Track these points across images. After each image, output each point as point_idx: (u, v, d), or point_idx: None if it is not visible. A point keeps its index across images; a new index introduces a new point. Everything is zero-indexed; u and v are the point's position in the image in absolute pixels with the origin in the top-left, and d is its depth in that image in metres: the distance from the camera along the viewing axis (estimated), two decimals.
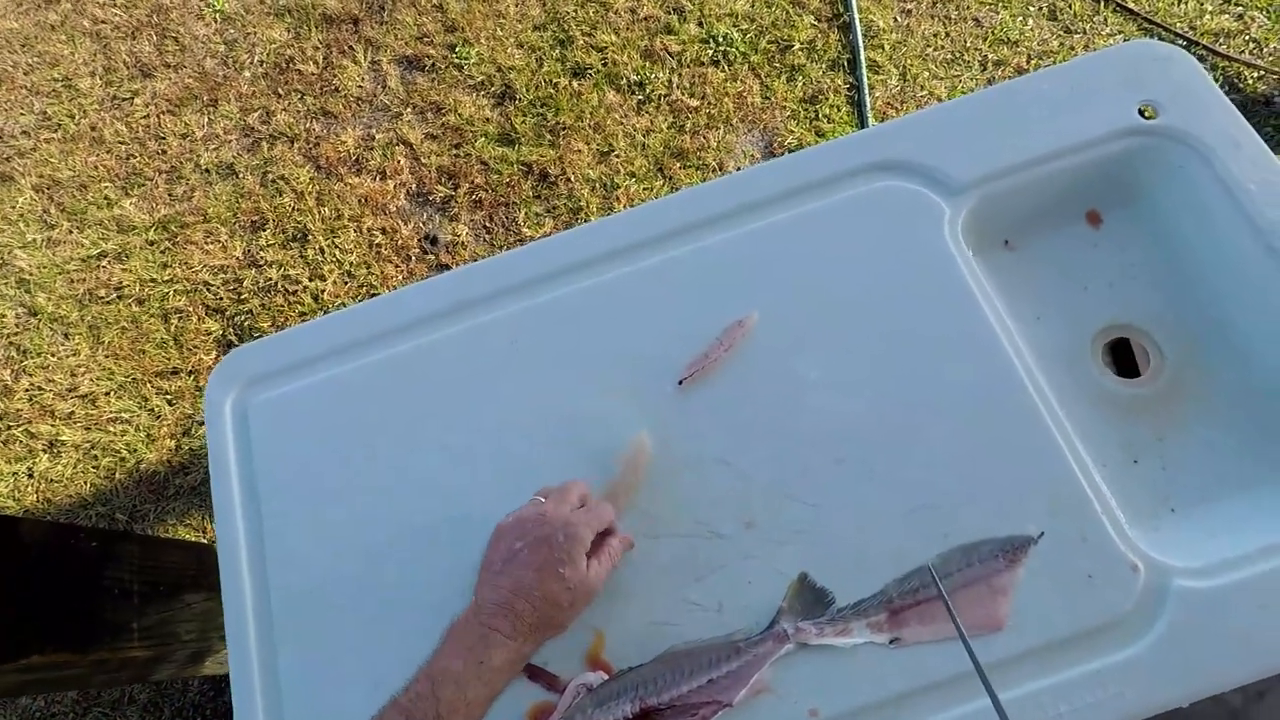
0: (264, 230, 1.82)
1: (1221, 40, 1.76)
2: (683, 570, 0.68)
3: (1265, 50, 1.74)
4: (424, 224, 1.81)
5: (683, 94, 1.84)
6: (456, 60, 1.92)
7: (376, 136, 1.88)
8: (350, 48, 1.96)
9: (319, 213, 1.81)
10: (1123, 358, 0.76)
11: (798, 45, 1.85)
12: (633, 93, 1.86)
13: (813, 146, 0.81)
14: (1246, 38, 1.75)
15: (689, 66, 1.87)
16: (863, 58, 1.81)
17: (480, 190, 1.81)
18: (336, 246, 1.79)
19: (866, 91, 1.78)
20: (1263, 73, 1.70)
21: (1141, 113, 0.77)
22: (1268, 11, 1.77)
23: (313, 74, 1.95)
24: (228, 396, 0.79)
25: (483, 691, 0.54)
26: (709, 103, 1.82)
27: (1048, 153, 0.76)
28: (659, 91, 1.84)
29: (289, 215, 1.82)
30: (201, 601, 1.12)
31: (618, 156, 1.79)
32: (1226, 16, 1.77)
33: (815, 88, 1.81)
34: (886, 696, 0.62)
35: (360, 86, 1.93)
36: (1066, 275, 0.79)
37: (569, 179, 1.78)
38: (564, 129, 1.83)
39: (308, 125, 1.91)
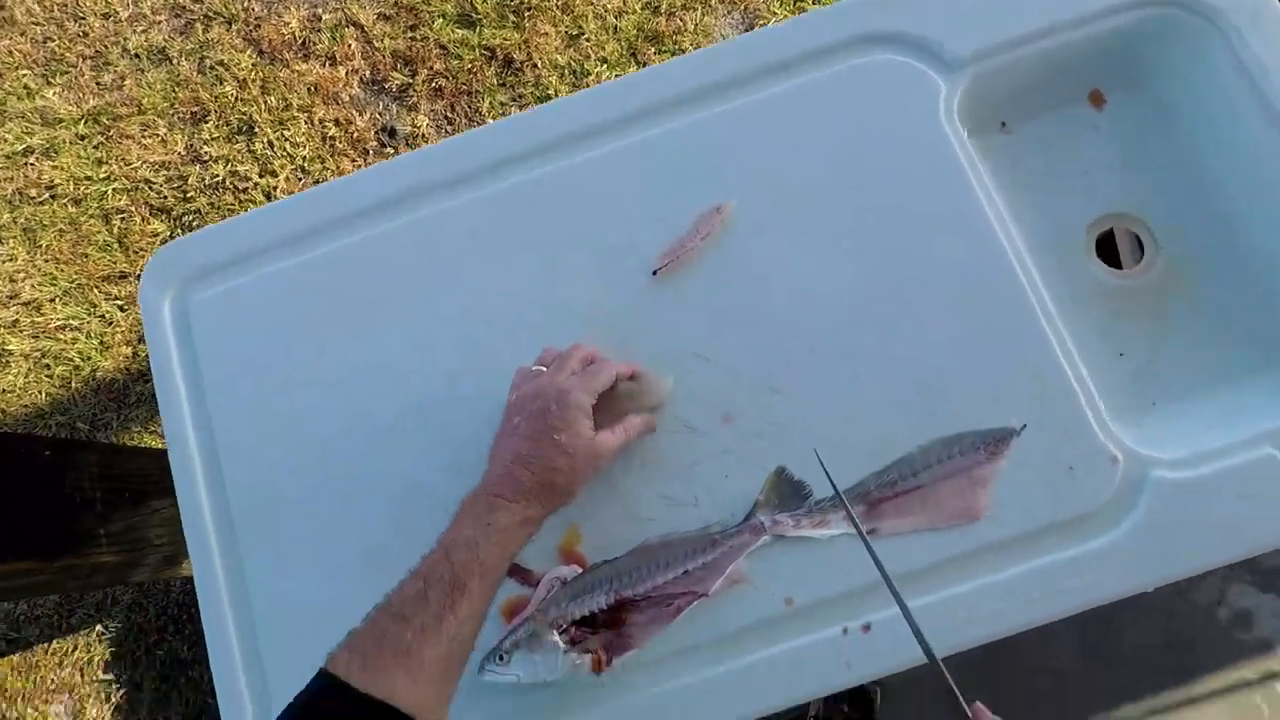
0: (206, 122, 1.68)
1: None
2: (659, 466, 0.66)
3: None
4: (380, 114, 1.69)
5: None
6: None
7: (323, 17, 1.72)
8: None
9: (265, 103, 1.68)
10: (1115, 249, 0.74)
11: None
12: None
13: (798, 16, 0.74)
14: None
15: None
16: None
17: (440, 77, 1.68)
18: (287, 140, 1.67)
19: None
20: None
21: None
22: None
23: None
24: (165, 295, 0.73)
25: (494, 552, 0.54)
26: None
27: (1052, 25, 0.70)
28: None
29: (232, 106, 1.69)
30: (169, 507, 1.10)
31: (588, 40, 1.67)
32: None
33: None
34: (861, 585, 0.62)
35: None
36: (1065, 160, 0.74)
37: (535, 65, 1.66)
38: (529, 10, 1.68)
39: (246, 4, 1.74)
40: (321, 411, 0.70)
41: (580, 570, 0.65)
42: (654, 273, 0.69)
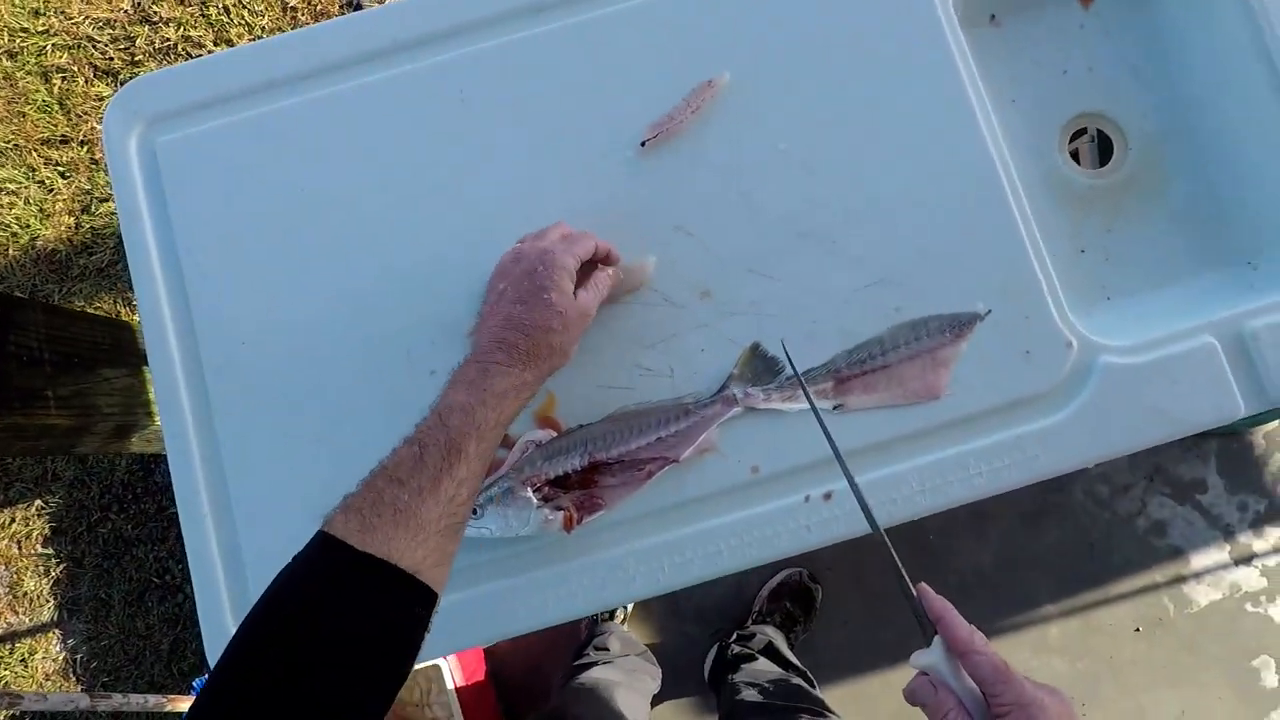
0: None
1: None
2: (636, 336, 0.67)
3: None
4: None
5: None
6: None
7: None
8: None
9: None
10: (1091, 147, 0.75)
11: None
12: None
13: None
14: None
15: None
16: None
17: None
18: (245, 8, 1.56)
19: None
20: None
21: None
22: None
23: None
24: (131, 131, 0.69)
25: (490, 415, 0.53)
26: None
27: None
28: None
29: None
30: (122, 378, 1.08)
31: None
32: None
33: None
34: (824, 456, 0.65)
35: None
36: (1049, 57, 0.75)
37: None
38: None
39: None
40: (302, 276, 0.68)
41: (554, 435, 0.67)
42: (642, 144, 0.68)
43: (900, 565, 0.50)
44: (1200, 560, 1.42)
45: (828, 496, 0.65)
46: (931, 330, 0.66)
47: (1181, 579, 1.43)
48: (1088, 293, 0.72)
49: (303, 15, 1.56)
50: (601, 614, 1.37)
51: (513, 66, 0.70)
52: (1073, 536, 1.45)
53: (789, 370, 0.66)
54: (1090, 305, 0.72)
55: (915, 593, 0.49)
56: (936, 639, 0.48)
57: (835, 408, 0.66)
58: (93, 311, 1.49)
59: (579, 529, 0.64)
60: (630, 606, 1.41)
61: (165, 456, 0.68)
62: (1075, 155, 0.76)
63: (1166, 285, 0.72)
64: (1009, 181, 0.68)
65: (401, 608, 0.47)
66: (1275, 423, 1.43)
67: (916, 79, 0.69)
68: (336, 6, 1.56)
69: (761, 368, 0.67)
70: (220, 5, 1.55)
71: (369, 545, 0.46)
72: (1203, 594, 1.41)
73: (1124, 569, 1.44)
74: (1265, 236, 0.70)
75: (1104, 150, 0.75)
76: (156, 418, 1.12)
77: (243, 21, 1.55)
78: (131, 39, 1.54)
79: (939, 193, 0.68)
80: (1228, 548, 1.42)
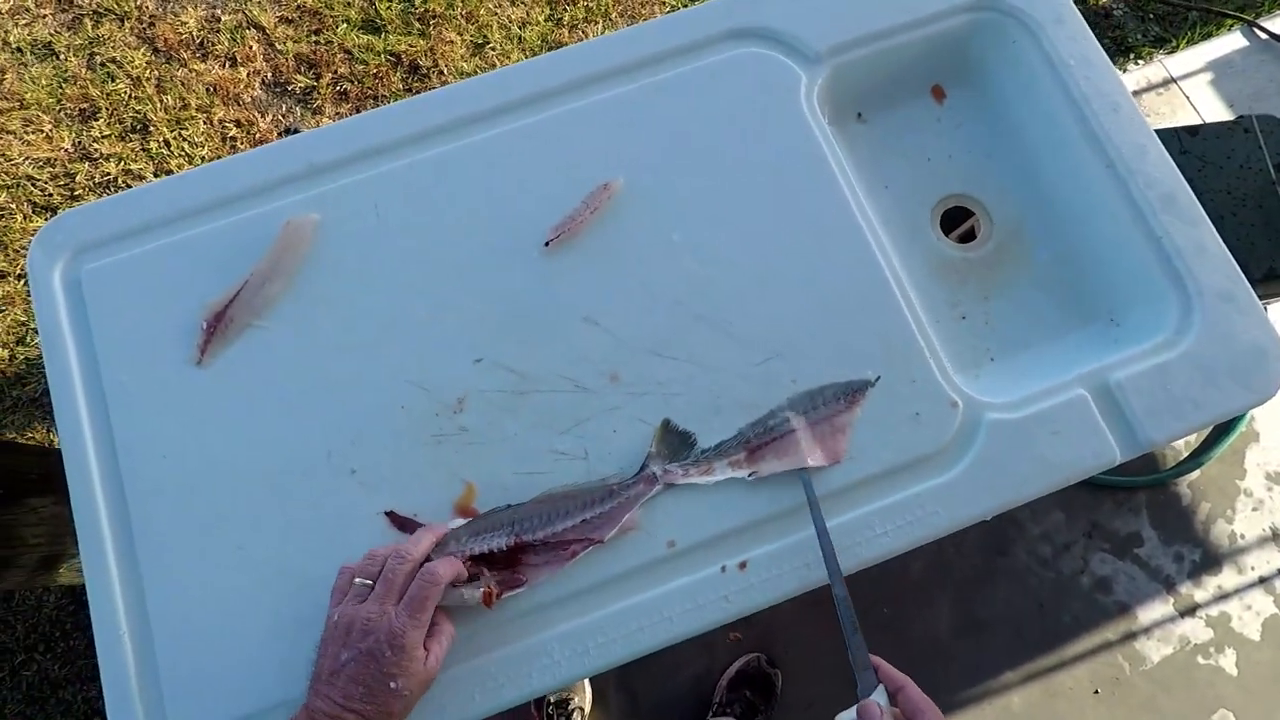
0: (96, 120, 1.62)
1: None
2: (550, 423, 0.70)
3: None
4: (284, 116, 1.67)
5: None
6: None
7: (223, 18, 1.70)
8: None
9: (161, 101, 1.64)
10: (958, 224, 0.83)
11: None
12: None
13: (676, 12, 0.81)
14: None
15: None
16: None
17: (345, 81, 1.68)
18: (184, 140, 1.63)
19: None
20: None
21: None
22: None
23: None
24: (55, 264, 0.72)
25: None
26: None
27: (897, 25, 0.79)
28: None
29: (125, 104, 1.64)
30: (49, 506, 1.05)
31: (493, 49, 1.71)
32: None
33: None
34: (737, 526, 0.67)
35: None
36: (912, 147, 0.84)
37: (441, 71, 1.69)
38: (434, 18, 1.72)
39: (139, 1, 1.69)
40: (217, 383, 0.70)
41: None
42: (546, 244, 0.73)
43: (854, 621, 0.60)
44: (1147, 614, 1.44)
45: (743, 566, 0.67)
46: (827, 398, 0.70)
47: (1132, 635, 1.44)
48: (972, 355, 0.77)
49: (242, 144, 1.64)
50: (557, 715, 1.31)
51: (423, 181, 0.75)
52: (1022, 599, 1.46)
53: (700, 444, 0.69)
54: (976, 366, 0.77)
55: (859, 641, 0.60)
56: (880, 686, 0.58)
57: (750, 475, 0.69)
58: (23, 441, 1.45)
59: (498, 604, 0.64)
60: (588, 708, 1.36)
61: None
62: (950, 231, 0.83)
63: (1041, 344, 0.78)
64: (885, 259, 0.74)
65: None
66: (1197, 472, 1.49)
67: (793, 173, 0.76)
68: (275, 134, 1.64)
69: (676, 443, 0.70)
70: (160, 139, 1.62)
71: None
72: (1154, 649, 1.42)
73: (1076, 628, 1.45)
74: (1119, 296, 0.77)
75: (973, 225, 0.83)
76: None
77: (183, 153, 1.61)
78: (71, 175, 1.59)
79: (823, 272, 0.73)
80: (1171, 600, 1.45)
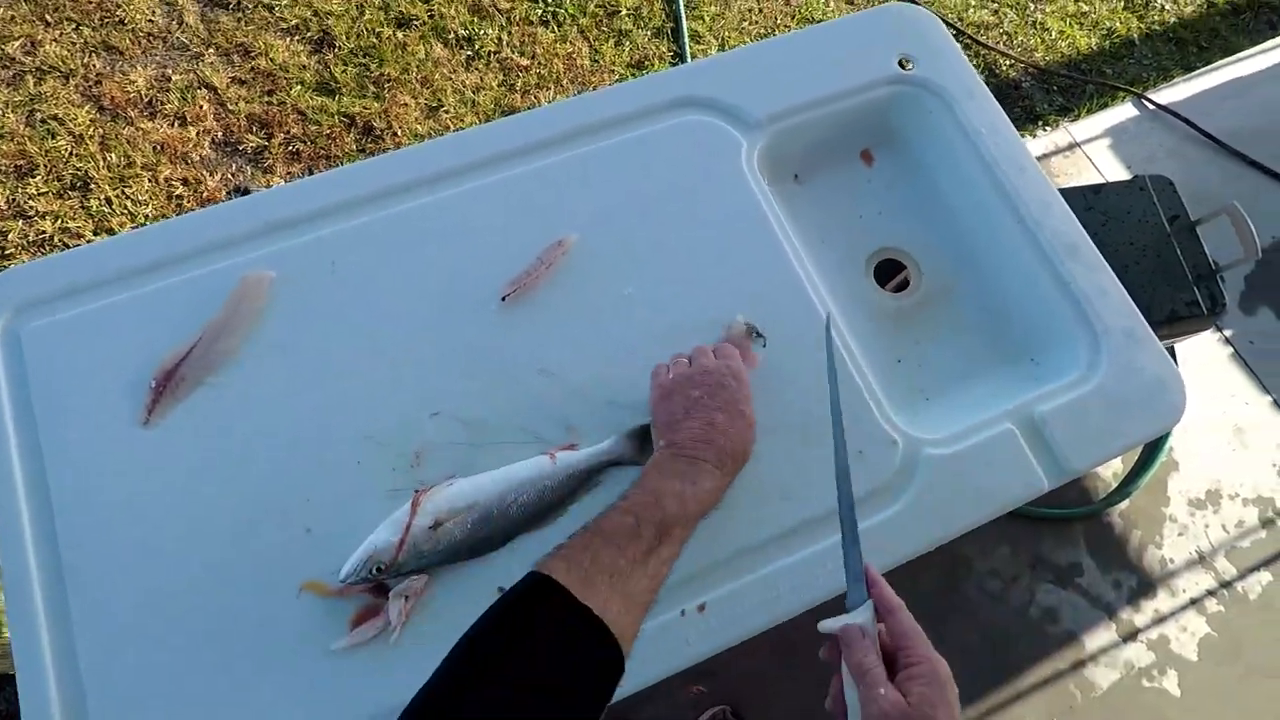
0: (33, 177, 1.60)
1: (982, 31, 2.04)
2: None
3: (1015, 42, 2.04)
4: (233, 175, 1.68)
5: (512, 52, 1.83)
6: (266, 0, 1.78)
7: (173, 78, 1.71)
8: None
9: (104, 159, 1.62)
10: (893, 275, 0.89)
11: (624, 10, 1.91)
12: (461, 48, 1.83)
13: (629, 81, 0.86)
14: (1000, 30, 2.04)
15: (519, 25, 1.87)
16: (685, 27, 1.90)
17: (297, 141, 1.70)
18: (128, 197, 1.61)
19: (689, 59, 1.87)
20: (1013, 60, 2.00)
21: (901, 64, 0.89)
22: (1015, 9, 2.07)
23: (89, 2, 1.73)
24: None
25: (695, 510, 0.56)
26: (539, 63, 1.84)
27: (828, 95, 0.87)
28: (489, 48, 1.83)
29: (65, 161, 1.62)
30: None
31: (447, 112, 1.76)
32: (985, 11, 2.05)
33: (641, 53, 1.88)
34: (694, 570, 0.68)
35: (151, 21, 1.74)
36: (846, 205, 0.90)
37: (395, 133, 1.73)
38: (389, 81, 1.76)
39: (86, 60, 1.69)
40: (167, 453, 0.69)
41: (426, 578, 0.67)
42: (502, 299, 0.76)
43: (855, 530, 0.56)
44: (1093, 642, 1.50)
45: (702, 608, 0.68)
46: None
47: (1081, 663, 1.49)
48: (909, 395, 0.82)
49: (188, 202, 1.63)
50: None
51: (380, 239, 0.77)
52: (975, 635, 1.50)
53: None
54: (914, 406, 0.82)
55: (857, 554, 0.55)
56: (869, 602, 0.52)
57: None
58: None
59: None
60: None
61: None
62: (886, 281, 0.89)
63: (972, 383, 0.84)
64: (822, 306, 0.79)
65: (605, 676, 0.46)
66: (1125, 502, 1.57)
67: (736, 229, 0.81)
68: (224, 193, 1.64)
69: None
70: (102, 197, 1.60)
71: (589, 599, 0.46)
72: (1102, 675, 1.47)
73: (1027, 660, 1.49)
74: (1037, 337, 0.84)
75: (905, 275, 0.89)
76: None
77: (126, 211, 1.60)
78: (4, 234, 1.55)
79: (767, 320, 0.78)
80: (1114, 626, 1.51)
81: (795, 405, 0.74)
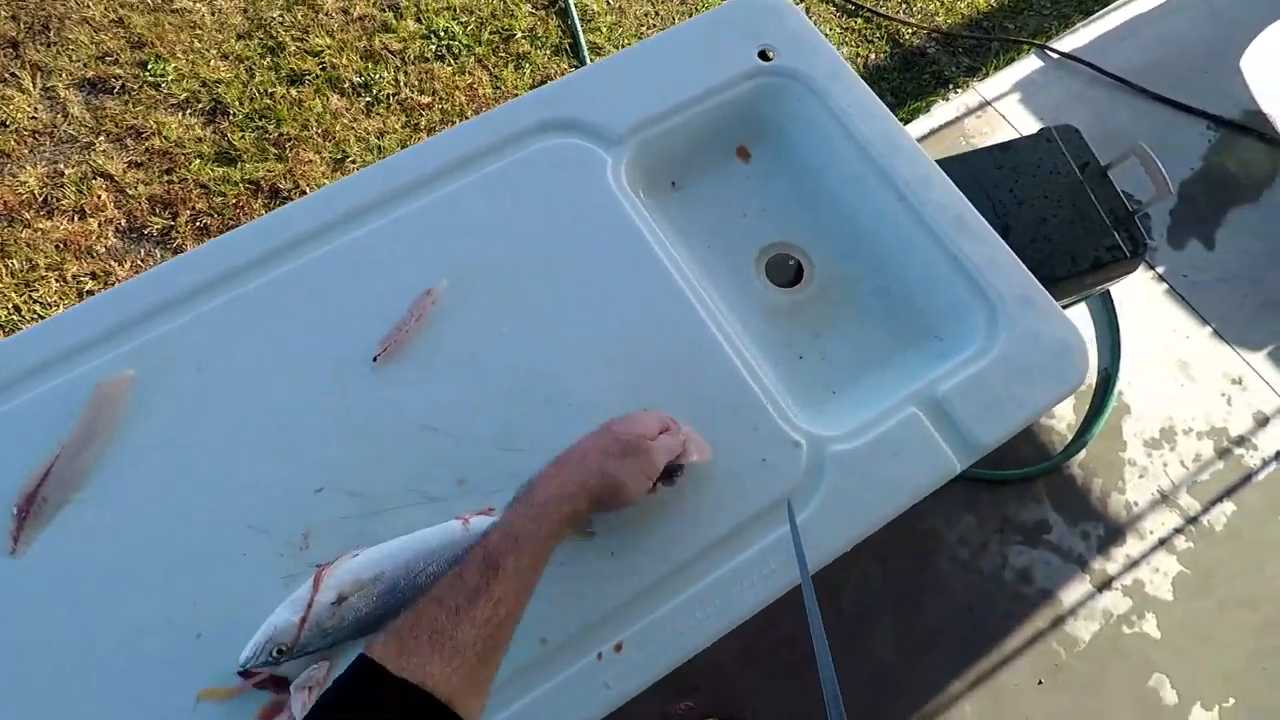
0: None
1: (881, 4, 2.04)
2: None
3: (914, 9, 2.04)
4: (143, 261, 1.63)
5: (412, 91, 1.81)
6: (150, 78, 1.75)
7: (66, 171, 1.67)
8: (13, 74, 1.72)
9: (4, 266, 1.58)
10: (786, 270, 0.87)
11: (519, 34, 1.89)
12: (359, 95, 1.80)
13: (484, 113, 0.84)
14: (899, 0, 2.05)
15: (414, 63, 1.84)
16: (583, 41, 1.89)
17: (204, 215, 1.66)
18: (36, 301, 1.57)
19: None
20: (915, 28, 2.00)
21: (763, 55, 0.88)
22: None
23: None
24: None
25: (528, 531, 0.54)
26: (440, 98, 1.81)
27: (690, 98, 0.85)
28: (386, 91, 1.80)
29: None
30: None
31: (353, 162, 1.73)
32: None
33: (543, 73, 1.86)
34: (605, 610, 0.66)
35: (34, 118, 1.69)
36: (727, 205, 0.88)
37: (303, 191, 1.69)
38: (290, 140, 1.73)
39: None
40: (39, 580, 0.66)
41: (326, 668, 0.64)
42: (374, 359, 0.73)
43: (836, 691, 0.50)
44: (1069, 596, 1.48)
45: (618, 648, 0.66)
46: None
47: (1060, 619, 1.47)
48: (814, 392, 0.80)
49: None
50: None
51: (239, 318, 0.74)
52: (953, 607, 1.48)
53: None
54: (821, 403, 0.80)
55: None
56: None
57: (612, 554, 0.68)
58: None
59: None
60: None
61: None
62: (781, 277, 0.87)
63: (877, 371, 0.82)
64: (710, 316, 0.77)
65: None
66: (1083, 452, 1.57)
67: (610, 248, 0.79)
68: None
69: None
70: (9, 305, 1.55)
71: (405, 670, 0.44)
72: (1083, 629, 1.46)
73: (1008, 624, 1.47)
74: (937, 313, 0.82)
75: (797, 269, 0.87)
76: None
77: (35, 315, 1.55)
78: None
79: (653, 337, 0.75)
80: (1087, 577, 1.50)
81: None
